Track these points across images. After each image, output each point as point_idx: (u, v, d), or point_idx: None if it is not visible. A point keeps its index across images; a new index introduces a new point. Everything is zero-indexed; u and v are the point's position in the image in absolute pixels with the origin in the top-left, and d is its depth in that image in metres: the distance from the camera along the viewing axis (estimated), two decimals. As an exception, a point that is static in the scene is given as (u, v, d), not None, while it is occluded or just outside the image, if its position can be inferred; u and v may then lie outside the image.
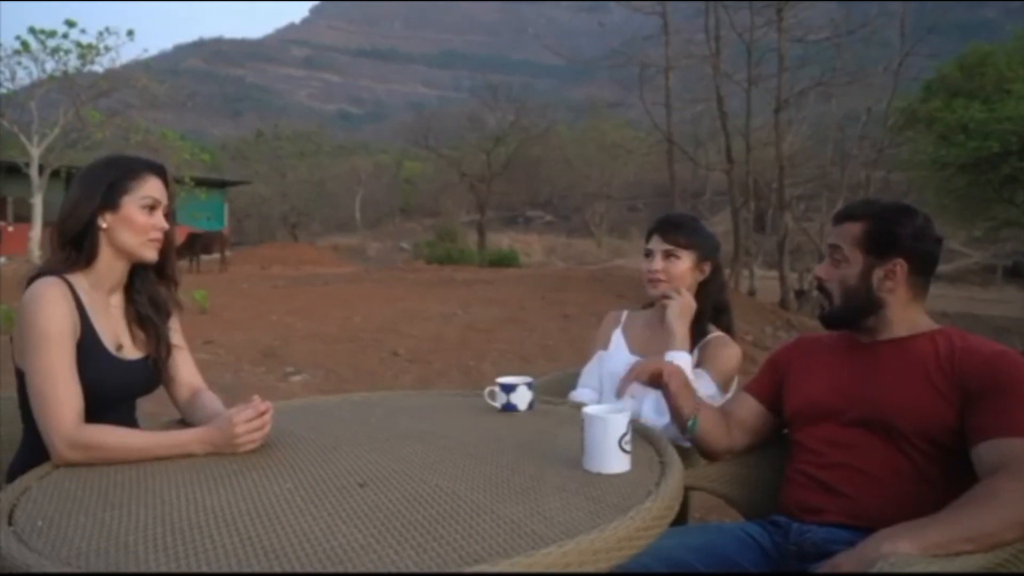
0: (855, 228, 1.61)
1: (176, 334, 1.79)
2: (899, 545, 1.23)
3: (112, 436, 1.47)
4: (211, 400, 1.76)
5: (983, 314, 17.76)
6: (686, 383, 1.77)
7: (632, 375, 1.78)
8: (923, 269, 1.60)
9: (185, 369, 1.79)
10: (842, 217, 1.66)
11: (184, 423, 1.72)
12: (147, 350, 1.71)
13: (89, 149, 19.77)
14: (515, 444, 1.51)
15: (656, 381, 1.76)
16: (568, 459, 1.36)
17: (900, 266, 1.57)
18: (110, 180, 1.62)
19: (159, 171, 1.69)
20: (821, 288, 1.68)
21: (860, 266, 1.60)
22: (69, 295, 1.55)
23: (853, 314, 1.63)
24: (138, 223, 1.63)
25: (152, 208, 1.64)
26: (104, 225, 1.61)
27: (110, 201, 1.61)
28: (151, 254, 1.67)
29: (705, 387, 1.93)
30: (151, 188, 1.65)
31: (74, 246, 1.61)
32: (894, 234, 1.57)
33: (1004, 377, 1.44)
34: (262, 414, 1.50)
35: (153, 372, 1.71)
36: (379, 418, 1.79)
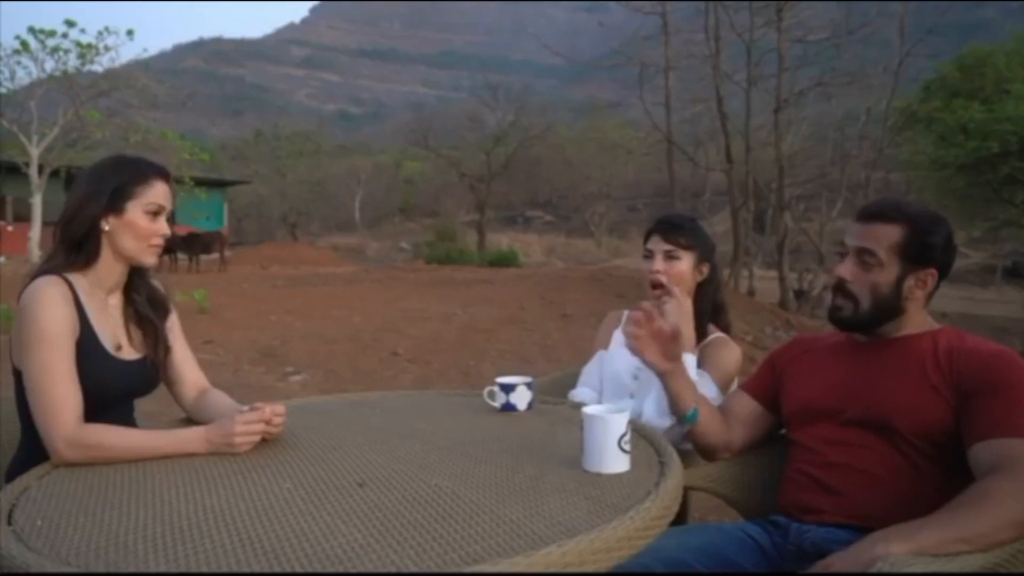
0: (891, 232, 1.55)
1: (176, 332, 1.79)
2: (891, 547, 1.23)
3: (112, 435, 1.47)
4: (221, 397, 1.76)
5: (982, 314, 17.76)
6: (686, 375, 1.76)
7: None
8: (944, 276, 1.59)
9: (190, 368, 1.79)
10: (872, 216, 1.58)
11: (189, 422, 1.72)
12: (145, 350, 1.70)
13: (89, 149, 19.81)
14: (515, 444, 1.50)
15: (664, 354, 1.70)
16: (568, 459, 1.36)
17: (932, 276, 1.56)
18: (117, 183, 1.61)
19: (165, 175, 1.68)
20: (842, 289, 1.60)
21: (895, 273, 1.55)
22: (69, 295, 1.55)
23: (879, 320, 1.60)
24: (141, 229, 1.62)
25: (156, 214, 1.64)
26: (107, 228, 1.60)
27: (115, 205, 1.60)
28: (151, 259, 1.67)
29: (707, 388, 1.93)
30: (157, 194, 1.64)
31: (75, 246, 1.60)
32: (931, 244, 1.55)
33: (1000, 377, 1.43)
34: (268, 421, 1.50)
35: (152, 372, 1.71)
36: (379, 418, 1.79)
